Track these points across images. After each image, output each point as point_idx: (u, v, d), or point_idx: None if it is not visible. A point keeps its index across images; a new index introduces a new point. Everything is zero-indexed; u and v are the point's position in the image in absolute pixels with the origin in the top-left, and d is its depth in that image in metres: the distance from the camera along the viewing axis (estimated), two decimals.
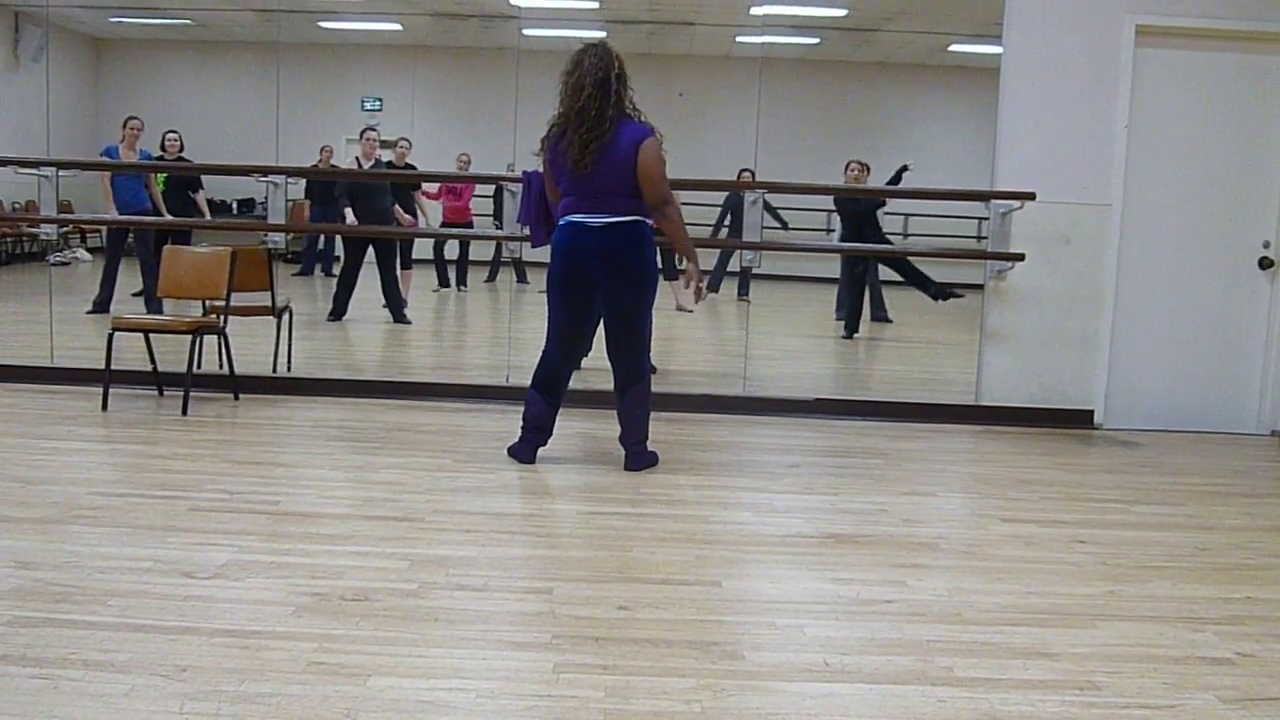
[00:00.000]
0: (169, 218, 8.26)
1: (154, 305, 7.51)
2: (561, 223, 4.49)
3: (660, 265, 9.83)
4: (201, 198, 8.69)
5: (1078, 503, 4.51)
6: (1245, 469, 5.39)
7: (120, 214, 8.15)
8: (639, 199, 4.44)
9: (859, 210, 8.45)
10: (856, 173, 8.78)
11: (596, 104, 4.33)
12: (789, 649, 2.84)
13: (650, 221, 4.50)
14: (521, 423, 4.66)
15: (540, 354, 4.61)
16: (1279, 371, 5.99)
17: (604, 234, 4.38)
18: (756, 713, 2.46)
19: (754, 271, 7.05)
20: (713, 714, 2.44)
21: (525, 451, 4.66)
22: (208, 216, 8.86)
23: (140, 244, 8.26)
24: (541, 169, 4.64)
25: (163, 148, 8.53)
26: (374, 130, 8.92)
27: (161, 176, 8.48)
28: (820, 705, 2.51)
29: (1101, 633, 3.03)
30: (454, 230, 10.04)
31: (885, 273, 9.56)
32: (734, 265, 10.84)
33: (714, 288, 11.01)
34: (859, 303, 9.09)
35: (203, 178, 8.75)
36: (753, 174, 8.32)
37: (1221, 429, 6.05)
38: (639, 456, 4.62)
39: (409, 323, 8.90)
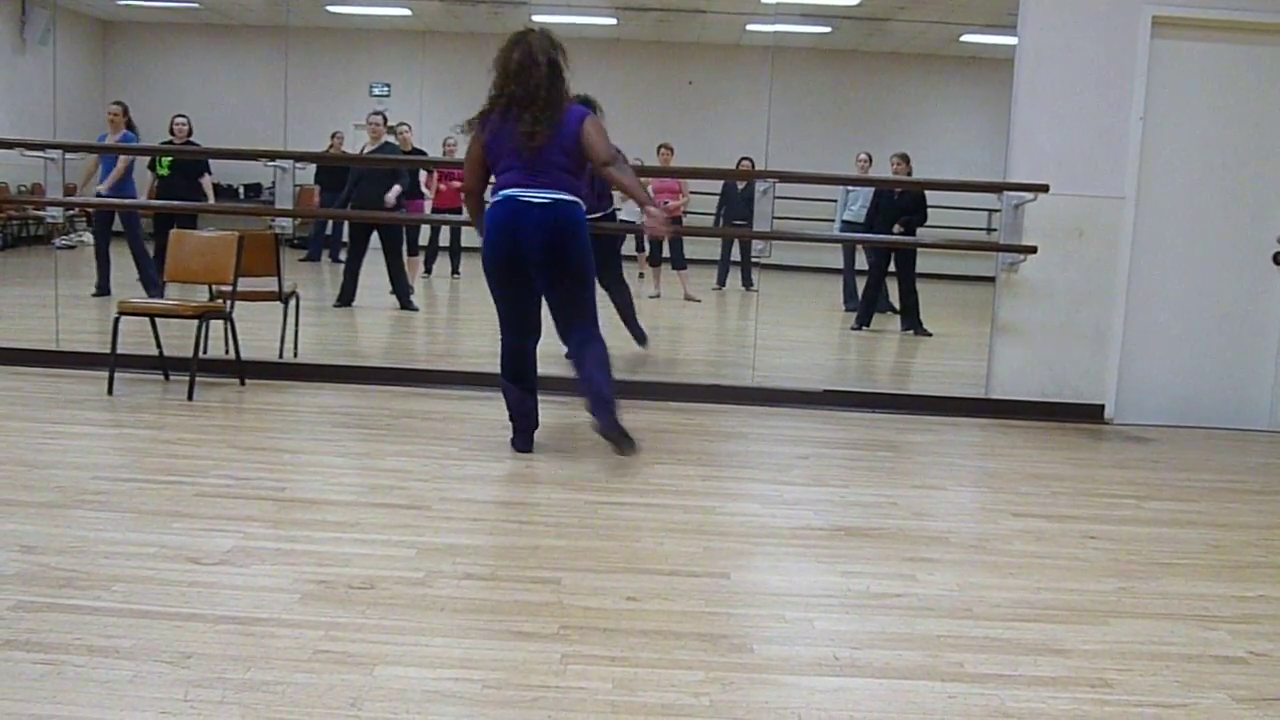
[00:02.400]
0: (174, 202, 8.24)
1: (153, 290, 7.50)
2: (499, 198, 4.35)
3: (670, 255, 9.77)
4: (208, 182, 8.68)
5: (1089, 498, 4.48)
6: (1258, 465, 5.35)
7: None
8: (581, 177, 4.42)
9: (903, 205, 8.51)
10: (897, 165, 8.83)
11: (549, 83, 4.30)
12: (798, 642, 2.82)
13: (584, 206, 4.42)
14: (507, 415, 4.65)
15: (500, 344, 4.56)
16: None
17: (545, 211, 4.28)
18: (765, 706, 2.43)
19: (762, 261, 7.02)
20: (721, 707, 2.42)
21: (521, 441, 4.64)
22: (212, 201, 8.84)
23: (130, 231, 8.21)
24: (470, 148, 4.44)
25: (171, 131, 8.52)
26: (379, 114, 8.90)
27: (167, 160, 8.47)
28: (829, 699, 2.49)
29: (1113, 630, 3.01)
30: (457, 216, 10.02)
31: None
32: (734, 255, 10.87)
33: (720, 281, 11.00)
34: (877, 295, 9.07)
35: (210, 162, 8.74)
36: (752, 162, 8.26)
37: (1234, 425, 6.01)
38: (611, 411, 4.35)
39: (416, 309, 8.88)
